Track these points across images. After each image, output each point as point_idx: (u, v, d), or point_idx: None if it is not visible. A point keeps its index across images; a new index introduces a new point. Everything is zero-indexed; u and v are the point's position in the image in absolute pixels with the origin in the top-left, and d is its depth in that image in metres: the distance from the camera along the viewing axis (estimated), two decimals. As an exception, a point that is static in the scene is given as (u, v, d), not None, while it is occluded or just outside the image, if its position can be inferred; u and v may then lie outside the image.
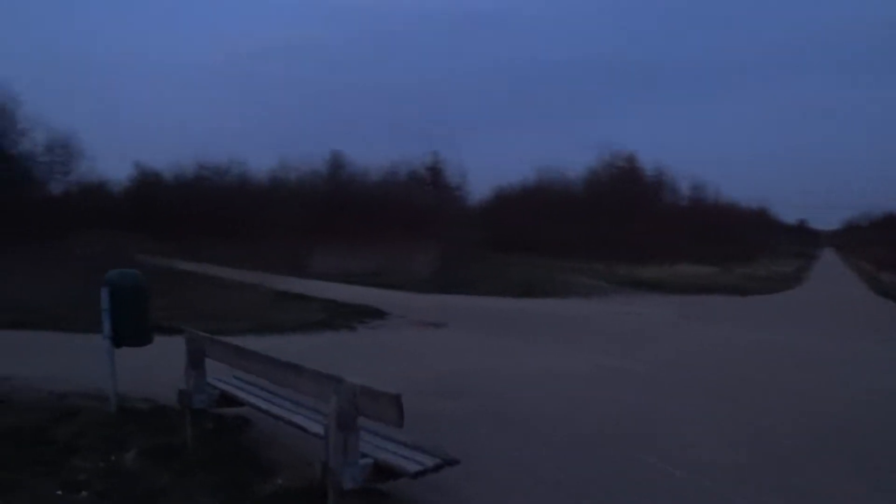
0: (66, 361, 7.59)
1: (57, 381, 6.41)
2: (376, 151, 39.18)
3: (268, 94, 67.10)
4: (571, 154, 54.93)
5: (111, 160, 48.19)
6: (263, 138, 63.92)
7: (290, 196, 27.71)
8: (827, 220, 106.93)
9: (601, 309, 14.98)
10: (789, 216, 53.44)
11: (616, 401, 6.54)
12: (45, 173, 22.98)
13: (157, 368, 6.49)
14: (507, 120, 66.61)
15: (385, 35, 74.94)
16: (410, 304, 14.77)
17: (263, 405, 4.52)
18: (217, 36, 73.13)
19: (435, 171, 27.53)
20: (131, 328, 5.66)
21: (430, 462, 3.42)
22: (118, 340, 5.62)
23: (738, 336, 11.69)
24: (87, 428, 5.49)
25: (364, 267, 22.96)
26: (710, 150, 62.83)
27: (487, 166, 55.01)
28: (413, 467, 3.35)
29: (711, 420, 5.90)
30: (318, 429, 3.71)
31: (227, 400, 4.96)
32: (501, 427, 5.55)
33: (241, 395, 4.80)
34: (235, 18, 77.02)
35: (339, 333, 10.44)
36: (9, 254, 17.74)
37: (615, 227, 25.01)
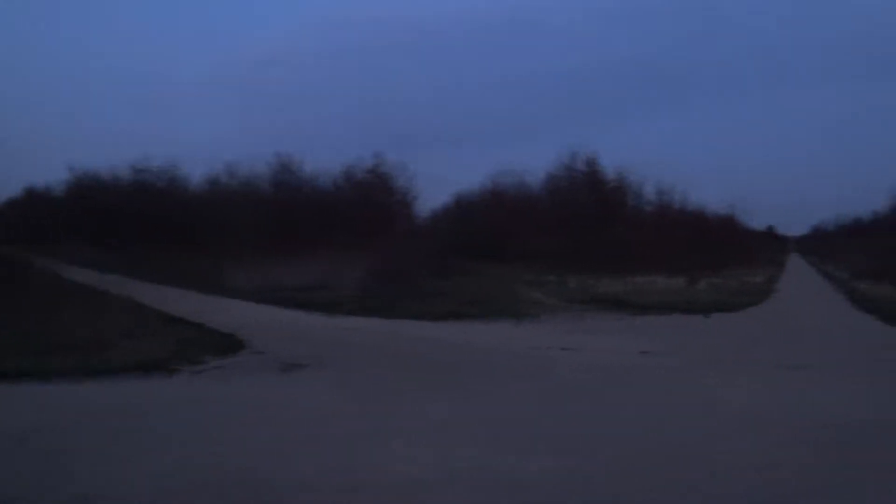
0: None
1: None
2: (339, 161, 36.93)
3: (249, 103, 65.18)
4: (539, 163, 53.00)
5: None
6: (232, 146, 61.92)
7: (227, 202, 25.32)
8: (796, 226, 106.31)
9: (537, 340, 11.69)
10: (757, 222, 52.57)
11: None
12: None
13: None
14: (480, 132, 64.50)
15: (374, 49, 73.19)
16: (298, 331, 12.50)
17: None
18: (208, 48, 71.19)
19: (379, 176, 25.11)
20: None
21: None
22: None
23: (725, 394, 7.34)
24: None
25: (299, 281, 20.73)
26: (679, 157, 61.38)
27: (456, 179, 52.59)
28: None
29: None
30: None
31: None
32: None
33: None
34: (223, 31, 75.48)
35: (149, 380, 8.01)
36: None
37: (576, 235, 22.64)
